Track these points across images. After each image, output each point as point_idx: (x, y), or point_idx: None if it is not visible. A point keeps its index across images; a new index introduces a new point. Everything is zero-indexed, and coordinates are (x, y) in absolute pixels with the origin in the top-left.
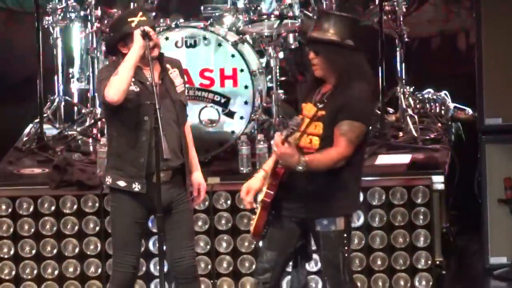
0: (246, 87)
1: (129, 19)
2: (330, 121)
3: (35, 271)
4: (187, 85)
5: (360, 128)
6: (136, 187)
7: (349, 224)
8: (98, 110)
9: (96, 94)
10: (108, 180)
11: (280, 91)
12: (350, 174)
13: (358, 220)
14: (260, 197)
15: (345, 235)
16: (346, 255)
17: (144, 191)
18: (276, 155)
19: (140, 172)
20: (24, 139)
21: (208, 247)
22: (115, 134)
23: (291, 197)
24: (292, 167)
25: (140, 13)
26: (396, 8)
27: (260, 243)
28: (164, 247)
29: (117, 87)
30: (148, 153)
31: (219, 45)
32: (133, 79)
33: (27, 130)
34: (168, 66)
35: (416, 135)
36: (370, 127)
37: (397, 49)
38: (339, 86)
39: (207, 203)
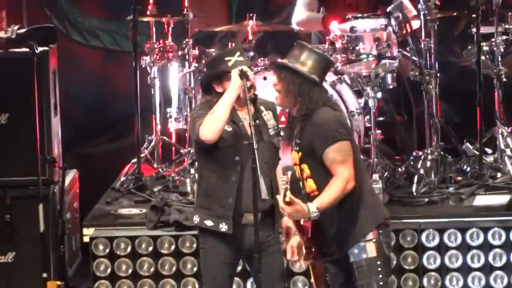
0: None
1: (226, 58)
2: (309, 158)
3: None
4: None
5: (342, 146)
6: (223, 227)
7: (382, 241)
8: None
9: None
10: (196, 219)
11: (378, 131)
12: (358, 189)
13: (457, 261)
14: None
15: (378, 262)
16: (381, 283)
17: (230, 232)
18: (288, 218)
19: (228, 212)
20: (122, 179)
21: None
22: (205, 173)
23: (326, 244)
24: (307, 219)
25: (238, 53)
26: (494, 48)
27: None
28: None
29: (213, 126)
30: (237, 194)
31: None
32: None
33: (124, 170)
34: (262, 108)
35: None
36: (349, 136)
37: (495, 89)
38: (301, 117)
39: None
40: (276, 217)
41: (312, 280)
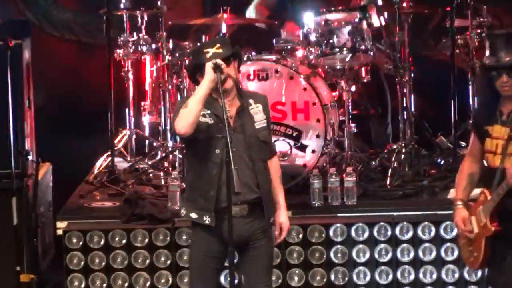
0: (318, 120)
1: (205, 50)
2: None
3: None
4: None
5: None
6: (207, 219)
7: None
8: (170, 143)
9: (167, 127)
10: (183, 211)
11: (353, 125)
12: None
13: (430, 254)
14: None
15: None
16: None
17: (213, 224)
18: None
19: (209, 205)
20: (95, 173)
21: (280, 281)
22: (189, 166)
23: None
24: None
25: (218, 45)
26: (469, 42)
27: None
28: (236, 281)
29: (185, 119)
30: (218, 186)
31: (291, 78)
32: (208, 112)
33: (98, 163)
34: (250, 101)
35: None
36: None
37: (469, 82)
38: None
39: None
40: (265, 210)
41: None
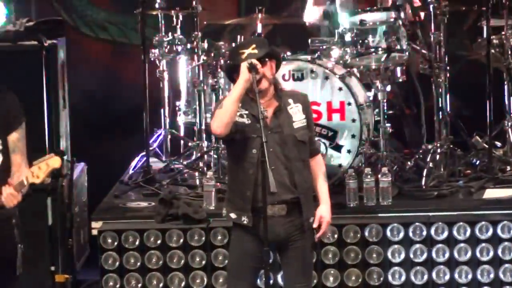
0: (353, 120)
1: (241, 51)
2: None
3: None
4: None
5: None
6: (245, 219)
7: None
8: (205, 144)
9: (202, 127)
10: (224, 212)
11: (388, 125)
12: None
13: (466, 254)
14: None
15: None
16: None
17: (250, 224)
18: None
19: (247, 205)
20: (130, 173)
21: (315, 281)
22: (229, 166)
23: None
24: None
25: (253, 45)
26: (504, 42)
27: None
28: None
29: (220, 120)
30: (254, 186)
31: (326, 78)
32: (245, 112)
33: (133, 163)
34: (290, 100)
35: None
36: None
37: (505, 82)
38: None
39: None
40: (304, 210)
41: None
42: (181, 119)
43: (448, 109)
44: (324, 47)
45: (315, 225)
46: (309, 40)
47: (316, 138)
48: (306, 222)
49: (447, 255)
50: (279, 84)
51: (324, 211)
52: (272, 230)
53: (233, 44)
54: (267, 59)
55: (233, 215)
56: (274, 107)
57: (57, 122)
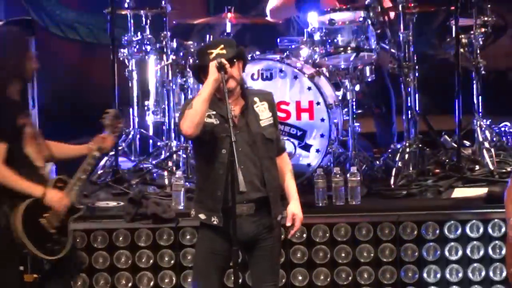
0: (322, 120)
1: (209, 51)
2: None
3: None
4: None
5: None
6: (215, 220)
7: None
8: (174, 143)
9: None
10: (192, 213)
11: (357, 124)
12: None
13: (435, 254)
14: None
15: None
16: None
17: (221, 224)
18: None
19: (217, 205)
20: (99, 172)
21: (284, 280)
22: (197, 167)
23: None
24: None
25: (222, 46)
26: (473, 41)
27: None
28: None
29: (191, 120)
30: (225, 186)
31: (295, 77)
32: (213, 112)
33: (102, 163)
34: (255, 99)
35: (492, 168)
36: None
37: (474, 82)
38: None
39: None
40: (272, 208)
41: None
42: (150, 119)
43: (417, 108)
44: (293, 46)
45: (288, 223)
46: (278, 40)
47: (285, 138)
48: (275, 220)
49: (416, 254)
50: (245, 83)
51: (295, 209)
52: (240, 229)
53: (202, 44)
54: (235, 60)
55: (202, 216)
56: (241, 106)
57: None
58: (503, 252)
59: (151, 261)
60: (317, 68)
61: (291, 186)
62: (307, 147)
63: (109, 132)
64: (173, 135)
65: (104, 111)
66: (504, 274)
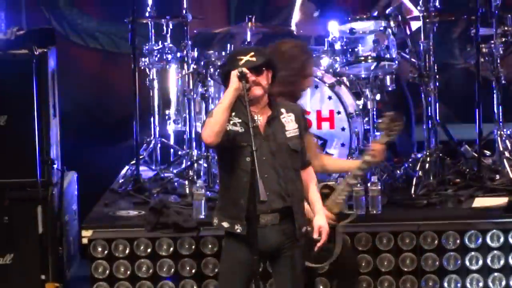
0: (343, 129)
1: (239, 57)
2: None
3: None
4: None
5: None
6: (238, 228)
7: None
8: (195, 152)
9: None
10: (215, 221)
11: (377, 133)
12: None
13: (455, 263)
14: None
15: None
16: None
17: (244, 233)
18: None
19: (240, 213)
20: (120, 181)
21: None
22: (221, 174)
23: None
24: None
25: (252, 53)
26: (493, 51)
27: None
28: None
29: (211, 129)
30: (248, 195)
31: (316, 87)
32: (239, 120)
33: (123, 172)
34: (283, 110)
35: None
36: None
37: (494, 91)
38: None
39: None
40: (295, 219)
41: None
42: (171, 128)
43: (437, 117)
44: (314, 55)
45: (315, 236)
46: None
47: None
48: (298, 231)
49: (436, 264)
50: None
51: (321, 221)
52: (265, 239)
53: (223, 53)
54: (264, 68)
55: (225, 224)
56: (268, 115)
57: (47, 131)
58: None
59: (172, 270)
60: (338, 78)
61: (316, 198)
62: None
63: (384, 135)
64: (194, 144)
65: (381, 115)
66: None
